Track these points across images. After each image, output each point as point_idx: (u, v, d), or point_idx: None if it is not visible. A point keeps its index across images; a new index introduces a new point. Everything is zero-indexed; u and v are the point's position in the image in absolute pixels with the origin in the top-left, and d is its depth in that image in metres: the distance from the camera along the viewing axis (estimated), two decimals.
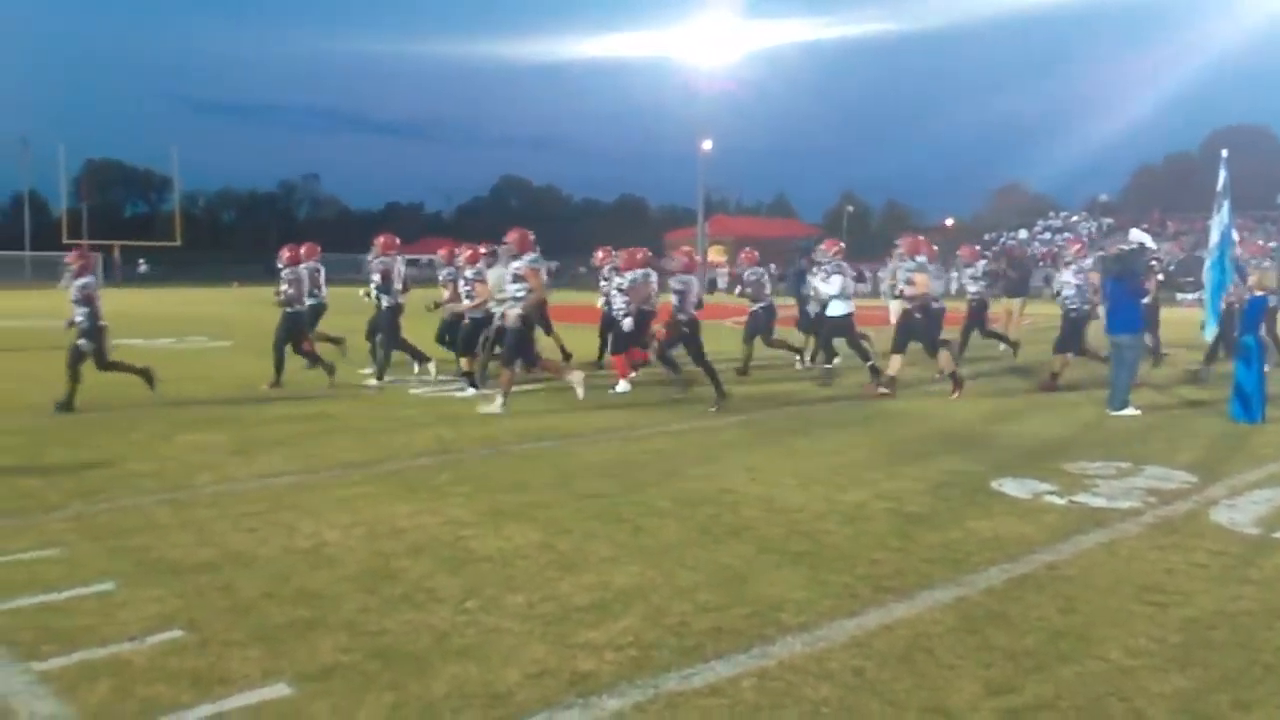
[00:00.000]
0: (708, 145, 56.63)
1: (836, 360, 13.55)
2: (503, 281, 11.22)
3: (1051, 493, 6.96)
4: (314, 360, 12.48)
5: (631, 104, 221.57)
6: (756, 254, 15.01)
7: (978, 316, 16.07)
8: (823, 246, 13.83)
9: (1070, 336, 12.58)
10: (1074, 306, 12.53)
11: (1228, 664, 4.06)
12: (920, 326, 11.92)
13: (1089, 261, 12.77)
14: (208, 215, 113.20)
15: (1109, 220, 68.24)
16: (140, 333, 21.26)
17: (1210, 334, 12.12)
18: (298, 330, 12.48)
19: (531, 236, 10.86)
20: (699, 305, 11.73)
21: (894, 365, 12.05)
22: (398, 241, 13.03)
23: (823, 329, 13.64)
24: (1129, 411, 10.54)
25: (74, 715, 3.51)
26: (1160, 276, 15.43)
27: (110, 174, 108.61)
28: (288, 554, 5.40)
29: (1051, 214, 76.07)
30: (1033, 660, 4.07)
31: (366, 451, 8.32)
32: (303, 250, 13.67)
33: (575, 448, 8.62)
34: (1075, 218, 74.04)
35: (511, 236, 10.81)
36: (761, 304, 14.31)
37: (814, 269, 13.92)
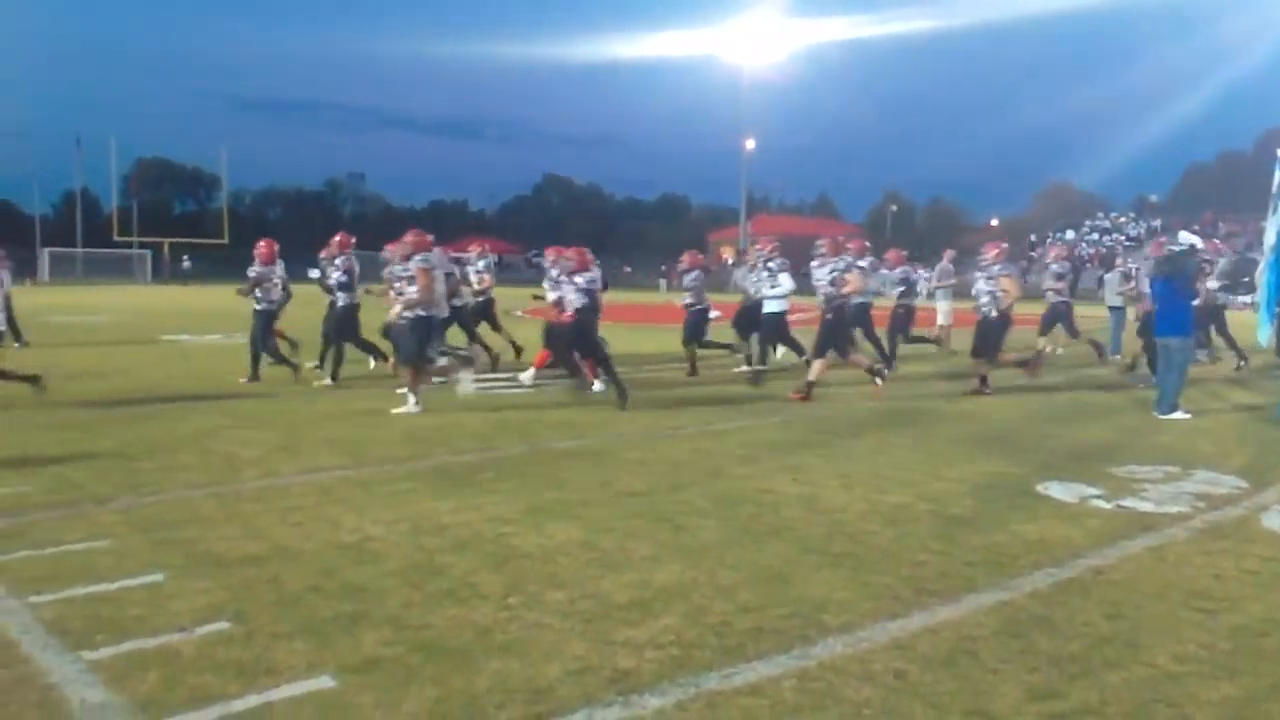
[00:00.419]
0: (751, 144, 56.54)
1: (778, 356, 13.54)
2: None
3: (1098, 496, 6.87)
4: (278, 357, 12.72)
5: (675, 103, 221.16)
6: (701, 257, 15.03)
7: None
8: (758, 246, 13.81)
9: (985, 341, 12.30)
10: (987, 311, 12.23)
11: (1279, 672, 3.99)
12: (829, 327, 11.69)
13: (998, 268, 12.26)
14: (254, 213, 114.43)
15: (1158, 221, 67.27)
16: (190, 329, 21.61)
17: (1265, 338, 11.91)
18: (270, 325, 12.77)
19: (430, 239, 10.97)
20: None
21: (816, 370, 11.82)
22: (354, 240, 13.14)
23: (761, 328, 13.54)
24: (1178, 415, 10.39)
25: (124, 704, 3.57)
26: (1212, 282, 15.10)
27: (159, 172, 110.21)
28: (333, 548, 5.46)
29: (1099, 214, 75.08)
30: (1078, 666, 4.02)
31: (410, 448, 8.39)
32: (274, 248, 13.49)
33: (616, 446, 8.64)
34: (1123, 218, 73.09)
35: (408, 238, 10.81)
36: (699, 306, 14.19)
37: (756, 269, 13.81)
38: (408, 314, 10.45)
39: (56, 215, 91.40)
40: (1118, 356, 16.58)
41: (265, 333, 12.67)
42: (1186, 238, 11.84)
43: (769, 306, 12.98)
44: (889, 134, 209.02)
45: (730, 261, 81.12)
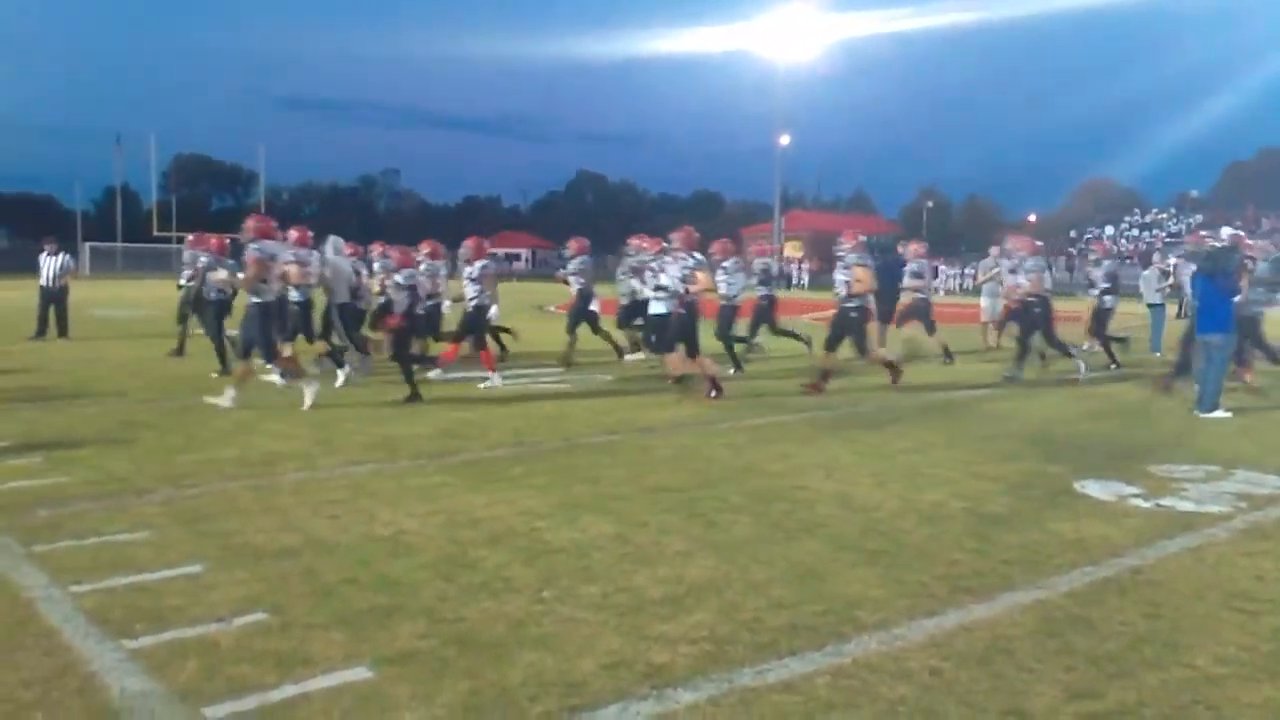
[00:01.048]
0: (785, 139, 56.29)
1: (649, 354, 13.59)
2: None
3: (1137, 495, 6.79)
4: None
5: (709, 99, 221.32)
6: (586, 243, 14.94)
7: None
8: (639, 244, 13.68)
9: (839, 334, 11.95)
10: (850, 305, 11.80)
11: None
12: (679, 322, 11.36)
13: (854, 257, 11.80)
14: (290, 209, 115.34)
15: (1199, 216, 66.37)
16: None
17: None
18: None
19: (273, 224, 10.81)
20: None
21: (829, 361, 11.90)
22: (311, 235, 13.13)
23: (644, 327, 13.42)
24: (1219, 414, 10.24)
25: (164, 692, 3.62)
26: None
27: (198, 168, 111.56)
28: (368, 541, 5.50)
29: (1138, 210, 74.18)
30: (1116, 665, 3.98)
31: (444, 442, 8.44)
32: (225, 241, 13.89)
33: (649, 441, 8.64)
34: (1164, 214, 72.18)
35: (248, 223, 10.52)
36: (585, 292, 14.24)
37: (637, 269, 13.75)
38: (252, 300, 10.15)
39: (98, 210, 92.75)
40: (1158, 354, 16.40)
41: (218, 324, 12.89)
42: (1228, 233, 11.70)
43: (654, 308, 12.66)
44: (926, 129, 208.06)
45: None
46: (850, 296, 11.77)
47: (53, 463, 7.35)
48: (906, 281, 15.74)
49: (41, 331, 17.26)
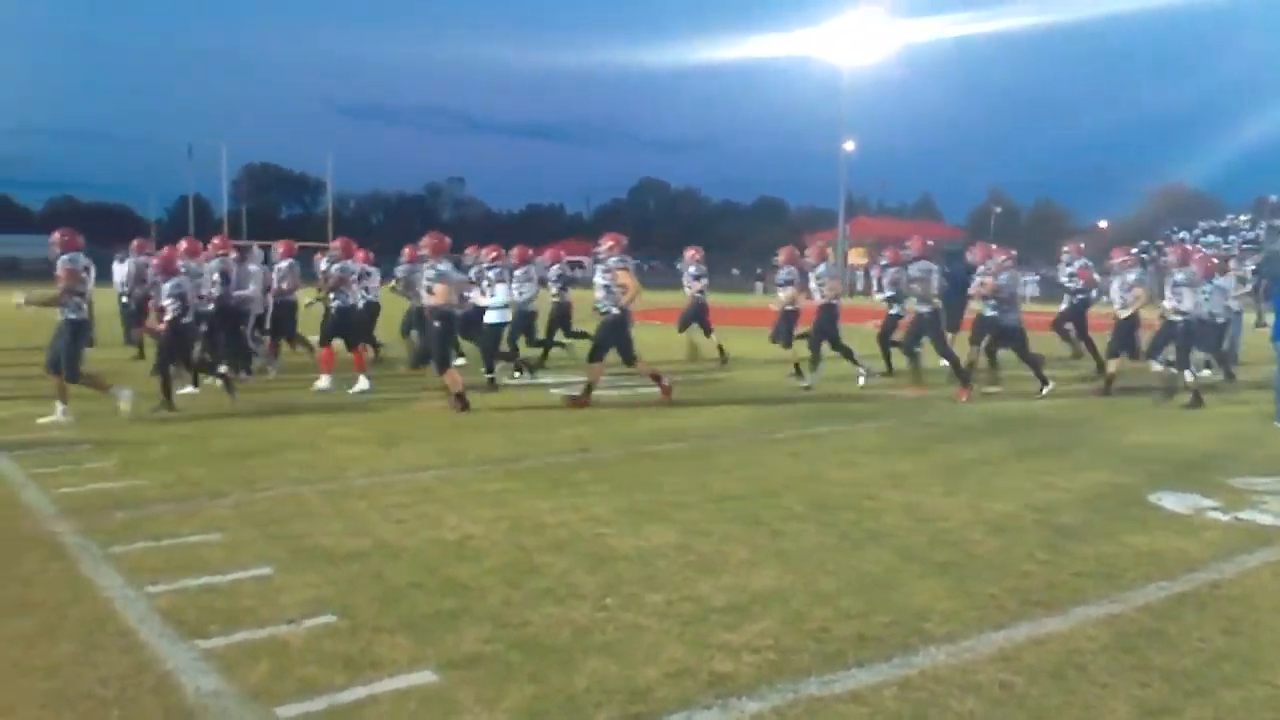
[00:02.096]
0: (850, 145, 55.88)
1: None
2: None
3: (1214, 508, 6.62)
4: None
5: (772, 104, 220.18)
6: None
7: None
8: (488, 252, 13.33)
9: (605, 342, 11.17)
10: (604, 309, 11.09)
11: None
12: (438, 333, 10.84)
13: (614, 260, 11.01)
14: (357, 217, 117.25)
15: (1277, 221, 64.64)
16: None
17: None
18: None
19: (80, 239, 10.16)
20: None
21: (594, 374, 11.19)
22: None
23: (480, 338, 13.08)
24: None
25: (236, 692, 3.68)
26: None
27: (267, 177, 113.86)
28: (434, 545, 5.55)
29: (1213, 215, 72.44)
30: (1192, 682, 3.88)
31: (508, 448, 8.49)
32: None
33: (713, 448, 8.62)
34: (1240, 219, 70.41)
35: (54, 236, 10.03)
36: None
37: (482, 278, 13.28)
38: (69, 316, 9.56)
39: (171, 219, 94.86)
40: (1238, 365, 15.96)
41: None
42: None
43: (489, 317, 12.63)
44: (993, 133, 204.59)
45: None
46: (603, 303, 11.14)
47: (129, 466, 7.53)
48: (686, 284, 15.74)
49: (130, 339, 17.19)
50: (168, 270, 10.54)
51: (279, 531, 5.78)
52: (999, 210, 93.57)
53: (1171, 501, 6.79)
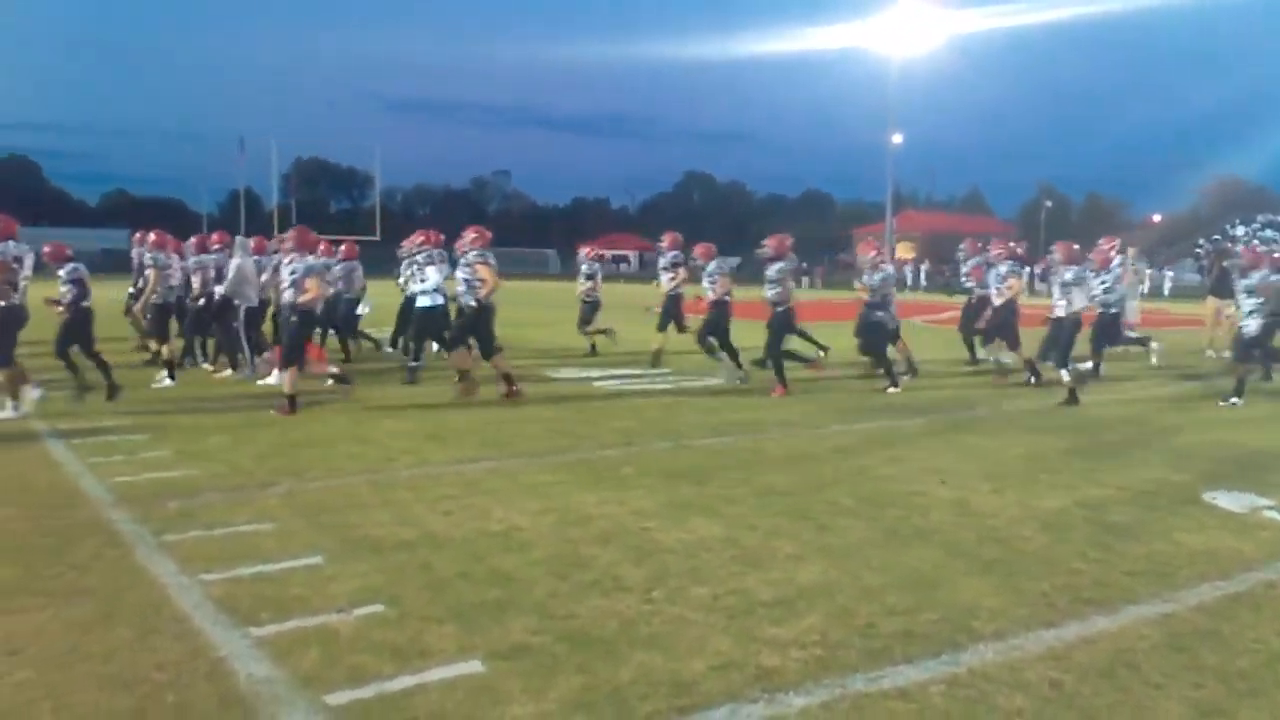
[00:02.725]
0: (898, 138, 55.36)
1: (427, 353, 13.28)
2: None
3: (1271, 508, 6.50)
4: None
5: (820, 97, 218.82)
6: (354, 249, 14.77)
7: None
8: (415, 239, 13.12)
9: (463, 333, 11.08)
10: (464, 303, 10.97)
11: None
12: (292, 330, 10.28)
13: (474, 254, 10.92)
14: (404, 210, 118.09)
15: None
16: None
17: None
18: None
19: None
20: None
21: (463, 361, 11.08)
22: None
23: (414, 323, 12.89)
24: None
25: (288, 678, 3.74)
26: None
27: (316, 171, 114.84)
28: (481, 536, 5.59)
29: (1272, 208, 70.93)
30: (1247, 683, 3.82)
31: (554, 440, 8.53)
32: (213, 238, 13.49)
33: (757, 443, 8.59)
34: None
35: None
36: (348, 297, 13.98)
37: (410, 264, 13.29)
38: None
39: (222, 213, 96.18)
40: None
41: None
42: None
43: (420, 302, 12.44)
44: (1043, 126, 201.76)
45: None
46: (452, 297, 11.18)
47: (183, 456, 7.66)
48: (580, 284, 15.99)
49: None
50: (57, 258, 10.55)
51: (329, 521, 5.85)
52: (1049, 204, 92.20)
53: (1226, 500, 6.67)
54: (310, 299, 10.11)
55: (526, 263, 76.90)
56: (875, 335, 12.48)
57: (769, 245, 11.84)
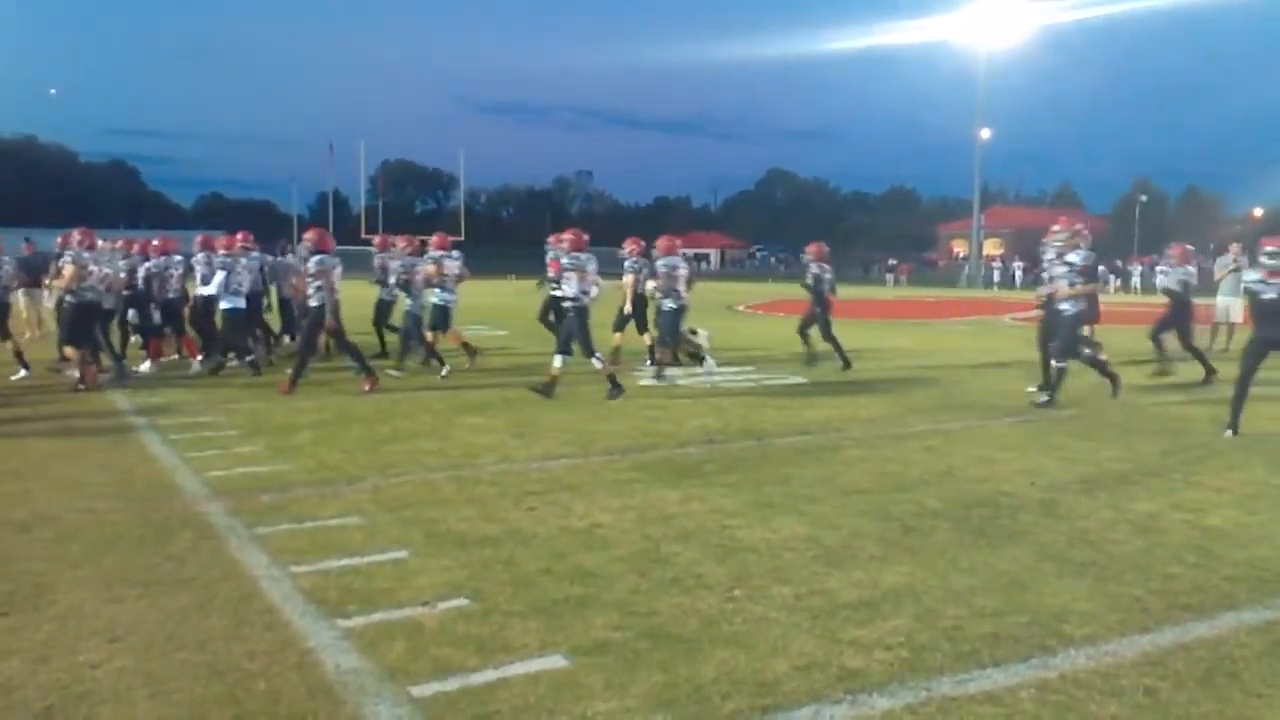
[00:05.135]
0: (986, 133, 54.37)
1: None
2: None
3: None
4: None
5: (905, 92, 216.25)
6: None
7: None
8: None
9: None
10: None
11: None
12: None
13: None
14: (488, 211, 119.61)
15: None
16: None
17: None
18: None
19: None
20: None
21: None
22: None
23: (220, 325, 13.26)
24: None
25: (375, 670, 3.80)
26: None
27: (403, 173, 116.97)
28: (564, 533, 5.62)
29: None
30: None
31: (636, 438, 8.54)
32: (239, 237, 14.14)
33: (840, 442, 8.50)
34: None
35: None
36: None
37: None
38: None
39: (312, 215, 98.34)
40: None
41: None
42: None
43: (222, 304, 12.93)
44: (1137, 119, 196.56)
45: (961, 255, 78.38)
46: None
47: (274, 451, 7.85)
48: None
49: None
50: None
51: (414, 516, 5.94)
52: (1144, 198, 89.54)
53: None
54: (69, 284, 10.97)
55: (612, 262, 77.33)
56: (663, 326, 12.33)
57: (629, 245, 13.05)
